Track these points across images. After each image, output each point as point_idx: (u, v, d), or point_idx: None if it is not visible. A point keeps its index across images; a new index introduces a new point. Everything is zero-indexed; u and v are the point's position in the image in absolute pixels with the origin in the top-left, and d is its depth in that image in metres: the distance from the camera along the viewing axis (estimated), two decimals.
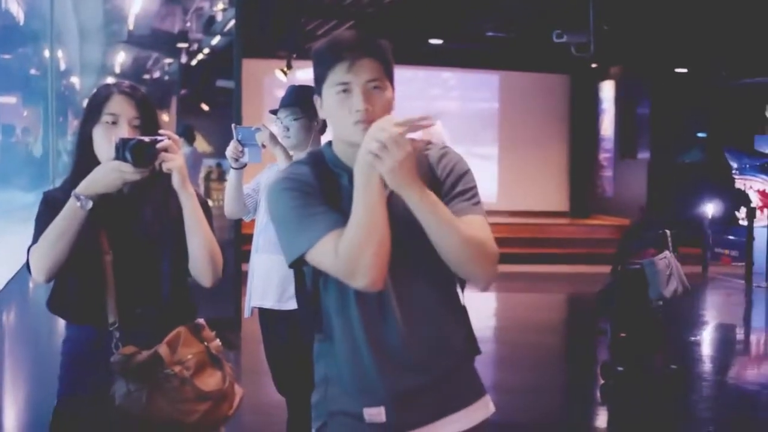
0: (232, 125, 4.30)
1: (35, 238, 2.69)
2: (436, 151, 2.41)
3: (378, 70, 2.32)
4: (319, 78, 2.35)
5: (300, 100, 4.23)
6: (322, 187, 2.32)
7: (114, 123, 2.71)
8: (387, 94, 2.34)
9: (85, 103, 2.83)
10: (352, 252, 2.18)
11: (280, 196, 2.32)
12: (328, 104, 2.34)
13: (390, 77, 2.36)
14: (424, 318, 2.35)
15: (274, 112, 4.35)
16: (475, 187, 2.39)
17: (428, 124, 2.20)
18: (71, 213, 2.61)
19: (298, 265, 2.32)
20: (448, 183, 2.36)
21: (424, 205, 2.20)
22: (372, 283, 2.20)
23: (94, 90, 2.81)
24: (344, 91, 2.30)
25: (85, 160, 2.75)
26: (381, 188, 2.21)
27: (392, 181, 2.16)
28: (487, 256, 2.27)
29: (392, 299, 2.32)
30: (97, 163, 2.72)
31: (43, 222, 2.69)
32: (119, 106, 2.72)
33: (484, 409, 2.46)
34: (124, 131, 2.70)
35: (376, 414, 2.32)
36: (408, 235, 2.29)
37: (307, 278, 2.39)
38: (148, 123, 2.75)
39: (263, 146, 4.19)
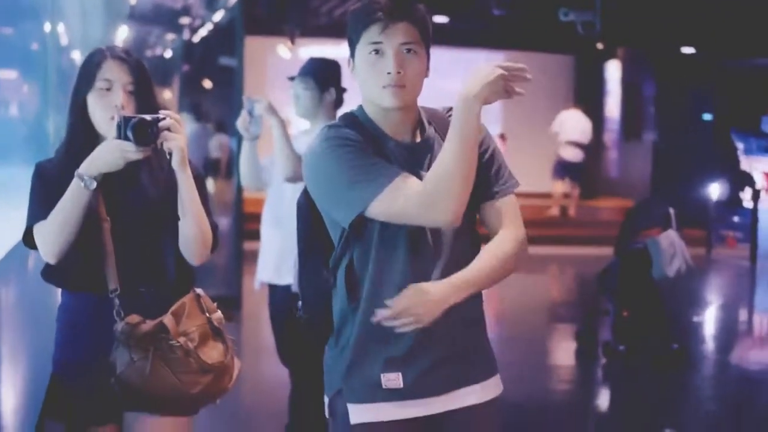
0: (243, 97, 4.33)
1: (31, 212, 2.67)
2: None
3: (413, 34, 2.30)
4: (353, 39, 2.34)
5: (314, 72, 4.29)
6: (372, 148, 2.30)
7: (108, 89, 2.67)
8: (421, 60, 2.33)
9: None
10: (441, 182, 2.18)
11: (332, 154, 2.27)
12: (359, 65, 2.33)
13: (426, 43, 2.34)
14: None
15: (292, 78, 4.36)
16: (503, 163, 2.46)
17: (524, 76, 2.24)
18: (76, 194, 2.58)
19: (357, 224, 2.28)
20: (483, 161, 2.38)
21: None
22: (454, 217, 2.22)
23: (87, 55, 2.75)
24: (376, 52, 2.29)
25: (79, 126, 2.71)
26: (479, 123, 2.23)
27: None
28: (509, 267, 2.38)
29: (428, 269, 2.33)
30: (92, 129, 2.70)
31: (37, 195, 2.67)
32: (113, 72, 2.68)
33: (496, 387, 2.49)
34: (119, 97, 2.66)
35: (393, 379, 2.34)
36: None
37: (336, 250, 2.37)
38: (143, 88, 2.71)
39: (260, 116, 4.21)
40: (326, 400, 2.46)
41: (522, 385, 6.35)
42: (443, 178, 2.18)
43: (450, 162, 2.18)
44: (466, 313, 2.39)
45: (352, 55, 2.35)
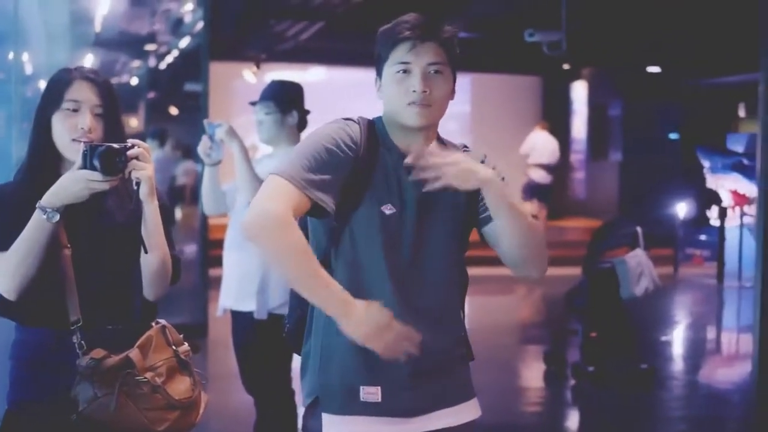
0: (204, 121, 4.26)
1: None
2: (474, 156, 2.44)
3: (440, 55, 2.34)
4: (381, 58, 2.37)
5: (275, 96, 4.25)
6: (368, 149, 2.31)
7: (75, 110, 2.56)
8: (447, 81, 2.36)
9: None
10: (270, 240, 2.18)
11: (322, 136, 2.29)
12: (386, 83, 2.35)
13: (453, 65, 2.37)
14: (429, 309, 2.36)
15: (253, 103, 4.33)
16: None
17: None
18: (38, 227, 2.45)
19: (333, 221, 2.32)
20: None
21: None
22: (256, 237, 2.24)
23: (54, 73, 2.62)
24: (404, 71, 2.32)
25: (42, 147, 2.60)
26: None
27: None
28: (544, 248, 2.40)
29: (406, 283, 2.32)
30: (55, 151, 2.59)
31: None
32: (81, 93, 2.57)
33: (473, 410, 2.51)
34: (86, 119, 2.55)
35: (372, 393, 2.32)
36: (430, 227, 2.35)
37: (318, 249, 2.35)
38: (111, 112, 2.61)
39: (222, 141, 4.16)
40: (301, 410, 2.41)
41: (491, 408, 6.32)
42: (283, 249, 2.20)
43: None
44: (446, 324, 2.40)
45: (379, 73, 2.38)
